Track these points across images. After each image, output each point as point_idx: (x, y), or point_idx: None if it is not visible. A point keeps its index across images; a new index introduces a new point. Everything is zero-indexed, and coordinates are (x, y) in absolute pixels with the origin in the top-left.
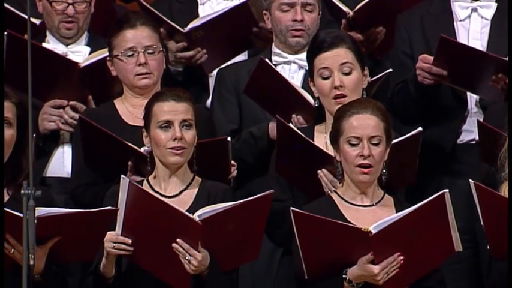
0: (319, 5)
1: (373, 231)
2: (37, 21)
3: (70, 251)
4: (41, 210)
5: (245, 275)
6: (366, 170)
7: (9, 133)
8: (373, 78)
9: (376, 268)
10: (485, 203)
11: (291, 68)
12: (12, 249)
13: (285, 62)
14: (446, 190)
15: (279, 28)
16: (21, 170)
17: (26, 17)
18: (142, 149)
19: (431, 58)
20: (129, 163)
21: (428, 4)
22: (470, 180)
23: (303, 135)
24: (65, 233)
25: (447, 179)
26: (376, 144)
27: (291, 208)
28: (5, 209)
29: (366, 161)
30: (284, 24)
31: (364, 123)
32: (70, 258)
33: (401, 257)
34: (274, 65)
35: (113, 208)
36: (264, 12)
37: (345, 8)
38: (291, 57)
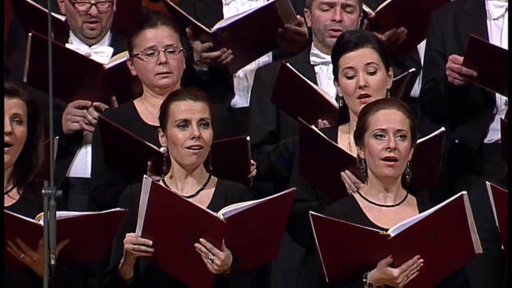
0: (360, 7)
1: (392, 235)
2: (62, 18)
3: (79, 252)
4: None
5: (277, 277)
6: (391, 163)
7: (20, 130)
8: (396, 78)
9: (395, 271)
10: (500, 205)
11: (329, 69)
12: (23, 254)
13: (323, 63)
14: (465, 192)
15: (317, 27)
16: (32, 168)
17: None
18: (161, 149)
19: (461, 58)
20: (149, 163)
21: (463, 2)
22: (487, 181)
23: (325, 137)
24: (75, 235)
25: (475, 178)
26: (402, 139)
27: (310, 212)
28: (16, 214)
29: (391, 154)
30: (323, 24)
31: (391, 118)
32: (79, 259)
33: (421, 260)
34: (313, 65)
35: (122, 210)
36: (305, 10)
37: (366, 9)
38: (329, 58)
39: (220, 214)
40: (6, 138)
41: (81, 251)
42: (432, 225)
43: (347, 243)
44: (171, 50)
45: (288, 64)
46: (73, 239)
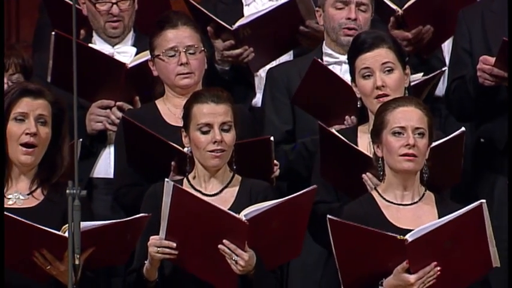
0: (373, 6)
1: (409, 239)
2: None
3: (103, 258)
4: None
5: (295, 277)
6: (410, 158)
7: (45, 131)
8: (425, 78)
9: (412, 277)
10: None
11: (341, 68)
12: (49, 266)
13: (336, 63)
14: (484, 200)
15: (331, 25)
16: (56, 169)
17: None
18: (185, 149)
19: (493, 60)
20: (172, 163)
21: (491, 0)
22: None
23: (344, 139)
24: (99, 243)
25: (499, 177)
26: (420, 136)
27: (328, 216)
28: (42, 226)
29: (410, 151)
30: (337, 22)
31: (409, 115)
32: (103, 264)
33: (438, 268)
34: (326, 65)
35: (145, 215)
36: (317, 9)
37: (394, 6)
38: (342, 58)
39: (242, 215)
40: (31, 140)
41: (105, 256)
42: (450, 232)
43: (364, 247)
44: (192, 50)
45: (320, 59)
46: (97, 246)
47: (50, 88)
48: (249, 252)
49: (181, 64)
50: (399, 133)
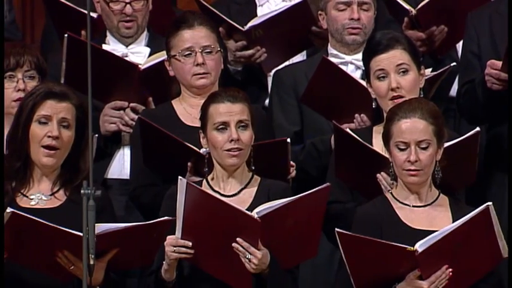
0: (375, 4)
1: (419, 250)
2: (94, 15)
3: (128, 260)
4: (99, 227)
5: (306, 275)
6: (413, 173)
7: (67, 134)
8: (433, 74)
9: (425, 283)
10: None
11: (348, 69)
12: (72, 266)
13: (341, 63)
14: (490, 203)
15: (335, 27)
16: (79, 171)
17: (85, 12)
18: (201, 150)
19: (500, 63)
20: (189, 164)
21: (498, 2)
22: None
23: (359, 139)
24: (123, 245)
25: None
26: (424, 148)
27: (336, 230)
28: (63, 228)
29: (413, 167)
30: (340, 23)
31: (412, 128)
32: (128, 266)
33: (450, 269)
34: (334, 63)
35: (168, 218)
36: (319, 12)
37: (407, 7)
38: (347, 58)
39: (255, 213)
40: (53, 142)
41: (129, 258)
42: (459, 236)
43: (374, 257)
44: (208, 50)
45: (328, 58)
46: (121, 248)
47: (74, 91)
48: (263, 251)
49: (198, 64)
50: (402, 148)
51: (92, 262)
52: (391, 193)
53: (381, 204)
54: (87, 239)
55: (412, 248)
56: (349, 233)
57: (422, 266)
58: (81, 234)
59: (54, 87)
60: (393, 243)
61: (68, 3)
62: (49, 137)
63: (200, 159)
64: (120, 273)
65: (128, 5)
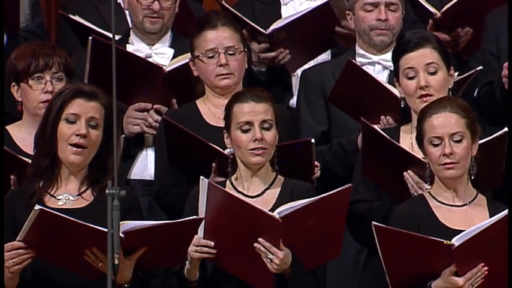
0: (403, 5)
1: (456, 244)
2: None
3: (157, 259)
4: (127, 225)
5: (332, 275)
6: (449, 166)
7: (95, 134)
8: (460, 77)
9: (460, 280)
10: None
11: (375, 69)
12: (101, 263)
13: (369, 63)
14: None
15: (362, 28)
16: (106, 171)
17: (105, 33)
18: (226, 151)
19: None
20: (213, 164)
21: None
22: None
23: (388, 137)
24: (151, 243)
25: None
26: (458, 141)
27: (373, 223)
28: (92, 225)
29: (449, 160)
30: (368, 24)
31: (444, 122)
32: (157, 266)
33: (486, 268)
34: (359, 66)
35: (197, 217)
36: (347, 12)
37: (432, 9)
38: (375, 58)
39: (276, 213)
40: (80, 141)
41: (159, 257)
42: (495, 233)
43: (410, 252)
44: (231, 52)
45: (354, 60)
46: (150, 247)
47: (103, 91)
48: (284, 251)
49: (221, 65)
50: (437, 144)
51: (116, 262)
52: (429, 192)
53: (419, 203)
54: (111, 239)
55: (449, 242)
56: (386, 227)
57: (458, 262)
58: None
59: (83, 87)
60: (430, 237)
61: (84, 22)
62: (77, 135)
63: (224, 159)
64: (148, 273)
65: (156, 2)
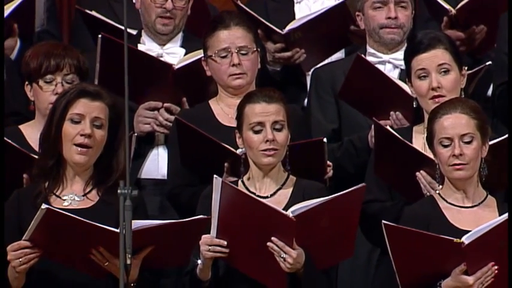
0: (412, 3)
1: (466, 242)
2: (133, 32)
3: (163, 258)
4: (134, 224)
5: (344, 275)
6: (459, 167)
7: (100, 134)
8: (470, 72)
9: (470, 279)
10: None
11: (385, 68)
12: (107, 262)
13: (379, 62)
14: None
15: (372, 27)
16: (112, 172)
17: (119, 26)
18: (238, 151)
19: None
20: (226, 164)
21: None
22: None
23: (400, 137)
24: (158, 242)
25: None
26: (468, 142)
27: (383, 222)
28: (99, 224)
29: (458, 161)
30: (377, 23)
31: (454, 123)
32: (163, 265)
33: (496, 267)
34: (368, 61)
35: (204, 217)
36: (357, 13)
37: (447, 6)
38: (385, 57)
39: (290, 212)
40: (85, 141)
41: (165, 257)
42: (504, 232)
43: (421, 251)
44: (244, 51)
45: (363, 55)
46: (156, 246)
47: (108, 90)
48: (298, 250)
49: (234, 65)
50: (446, 145)
51: (128, 261)
52: (439, 193)
53: (428, 204)
54: (124, 238)
55: (459, 240)
56: (396, 225)
57: (469, 260)
58: (116, 230)
59: (87, 87)
60: (440, 236)
61: (101, 17)
62: (82, 135)
63: (237, 159)
64: (155, 272)
65: (170, 1)
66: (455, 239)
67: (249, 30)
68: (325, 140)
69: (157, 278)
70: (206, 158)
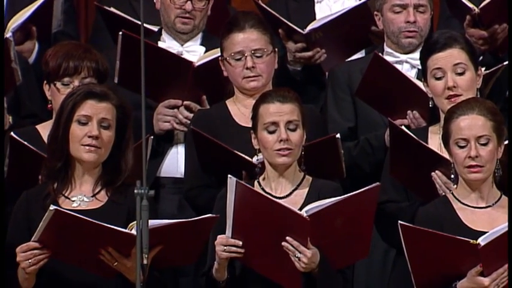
0: (431, 6)
1: (482, 244)
2: (155, 28)
3: (171, 257)
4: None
5: (360, 275)
6: (474, 170)
7: (108, 135)
8: (487, 72)
9: (486, 280)
10: None
11: (403, 67)
12: (116, 262)
13: (397, 62)
14: None
15: (391, 29)
16: (120, 172)
17: (138, 22)
18: (254, 159)
19: None
20: (244, 173)
21: None
22: None
23: (415, 137)
24: (167, 241)
25: None
26: (484, 144)
27: (399, 222)
28: (109, 225)
29: (474, 162)
30: (396, 26)
31: (471, 124)
32: (172, 264)
33: None
34: (385, 59)
35: (213, 216)
36: (375, 13)
37: (470, 5)
38: (403, 57)
39: (304, 211)
40: (93, 142)
41: (173, 256)
42: None
43: (436, 252)
44: (258, 54)
45: (380, 54)
46: (165, 245)
47: (115, 91)
48: (312, 250)
49: (247, 68)
50: (462, 146)
51: (145, 262)
52: (452, 193)
53: (442, 205)
54: (140, 238)
55: (475, 241)
56: (412, 226)
57: (485, 261)
58: (124, 230)
59: (94, 88)
60: (456, 237)
61: (120, 13)
62: (89, 136)
63: (253, 168)
64: (162, 271)
65: (189, 2)
66: (471, 241)
67: (265, 32)
68: (338, 135)
69: (166, 276)
70: (223, 165)
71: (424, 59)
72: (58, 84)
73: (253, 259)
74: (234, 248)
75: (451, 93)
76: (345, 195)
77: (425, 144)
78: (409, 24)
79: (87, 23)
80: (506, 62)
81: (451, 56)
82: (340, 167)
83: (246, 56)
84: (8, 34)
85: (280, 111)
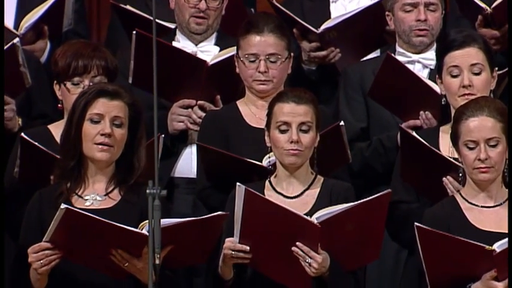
0: (442, 4)
1: (497, 250)
2: (172, 26)
3: (182, 257)
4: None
5: (372, 275)
6: (484, 170)
7: (120, 133)
8: (499, 73)
9: (500, 285)
10: None
11: (415, 68)
12: (127, 263)
13: (408, 62)
14: None
15: (402, 28)
16: (133, 170)
17: (151, 18)
18: (264, 163)
19: None
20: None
21: None
22: None
23: (426, 143)
24: (178, 241)
25: None
26: (494, 146)
27: (416, 224)
28: (120, 225)
29: (483, 165)
30: (407, 25)
31: (480, 126)
32: (183, 263)
33: None
34: (398, 60)
35: (223, 213)
36: (387, 13)
37: (482, 5)
38: (415, 57)
39: (314, 218)
40: (106, 140)
41: (184, 255)
42: None
43: (451, 254)
44: (273, 59)
45: (392, 54)
46: (176, 244)
47: (127, 89)
48: (323, 255)
49: (260, 72)
50: (472, 147)
51: (157, 262)
52: (460, 193)
53: (449, 205)
54: (152, 239)
55: (490, 247)
56: (429, 228)
57: (499, 267)
58: (135, 230)
59: (106, 86)
60: (472, 242)
61: (135, 10)
62: (102, 135)
63: (265, 171)
64: (175, 270)
65: (203, 1)
66: (486, 246)
67: (283, 37)
68: (342, 123)
69: (180, 276)
70: (233, 172)
71: (441, 55)
72: (68, 84)
73: (262, 263)
74: (241, 254)
75: (466, 91)
76: (356, 202)
77: (436, 150)
78: (419, 22)
79: (100, 22)
80: None
81: (469, 55)
82: (346, 153)
83: (260, 60)
84: (22, 31)
85: (293, 111)
